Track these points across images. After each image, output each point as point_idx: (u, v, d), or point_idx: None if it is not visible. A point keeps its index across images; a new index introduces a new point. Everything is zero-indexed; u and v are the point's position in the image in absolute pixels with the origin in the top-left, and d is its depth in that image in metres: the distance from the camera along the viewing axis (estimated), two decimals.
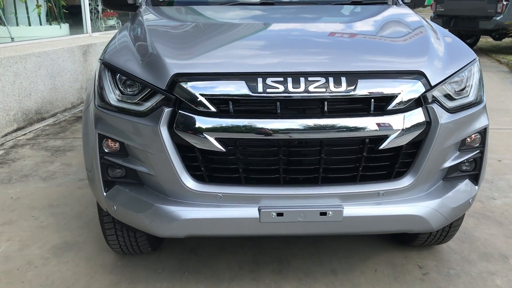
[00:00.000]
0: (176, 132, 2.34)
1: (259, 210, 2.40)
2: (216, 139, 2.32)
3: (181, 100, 2.33)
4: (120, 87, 2.52)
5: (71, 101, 7.32)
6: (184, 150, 2.40)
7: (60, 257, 3.37)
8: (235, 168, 2.41)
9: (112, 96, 2.51)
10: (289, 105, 2.32)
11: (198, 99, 2.30)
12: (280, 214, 2.39)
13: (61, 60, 6.98)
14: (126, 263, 3.28)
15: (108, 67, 2.55)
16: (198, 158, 2.39)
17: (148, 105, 2.41)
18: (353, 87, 2.29)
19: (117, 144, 2.56)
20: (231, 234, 2.51)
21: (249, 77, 2.31)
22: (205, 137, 2.31)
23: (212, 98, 2.31)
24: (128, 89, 2.50)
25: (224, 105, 2.32)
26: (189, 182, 2.42)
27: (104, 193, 2.63)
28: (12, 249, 3.48)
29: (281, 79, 2.30)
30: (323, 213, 2.38)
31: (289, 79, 2.30)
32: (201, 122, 2.31)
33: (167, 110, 2.35)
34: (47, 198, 4.31)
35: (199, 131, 2.31)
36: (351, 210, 2.40)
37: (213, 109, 2.30)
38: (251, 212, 2.41)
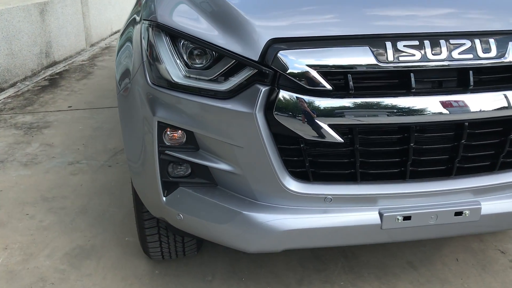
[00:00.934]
0: (277, 119, 1.73)
1: (380, 214, 1.86)
2: (331, 126, 1.73)
3: (281, 75, 1.71)
4: (185, 58, 1.85)
5: (31, 67, 6.36)
6: (283, 141, 1.80)
7: (80, 268, 2.71)
8: (349, 162, 1.84)
9: (176, 71, 1.84)
10: (425, 77, 1.76)
11: (307, 73, 1.69)
12: (407, 218, 1.86)
13: (16, 20, 5.98)
14: (165, 271, 2.66)
15: (166, 31, 1.87)
16: (303, 152, 1.80)
17: (232, 82, 1.77)
18: (506, 52, 1.75)
19: (184, 135, 1.92)
20: (342, 244, 1.97)
21: (375, 41, 1.72)
22: (316, 124, 1.72)
23: (325, 71, 1.70)
24: (197, 61, 1.84)
25: (341, 80, 1.73)
26: (290, 183, 1.83)
27: (164, 198, 1.99)
28: (14, 261, 2.77)
29: (416, 42, 1.72)
30: (459, 213, 1.87)
31: (427, 43, 1.72)
32: (312, 104, 1.71)
33: (264, 90, 1.72)
34: (37, 189, 3.56)
35: (309, 117, 1.71)
36: (489, 206, 1.90)
37: (327, 86, 1.70)
38: (370, 217, 1.86)
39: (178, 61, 1.84)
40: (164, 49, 1.87)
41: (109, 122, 4.81)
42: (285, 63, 1.70)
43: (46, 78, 6.40)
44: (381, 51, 1.70)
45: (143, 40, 1.98)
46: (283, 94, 1.71)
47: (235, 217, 1.87)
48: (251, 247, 1.91)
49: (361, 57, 1.70)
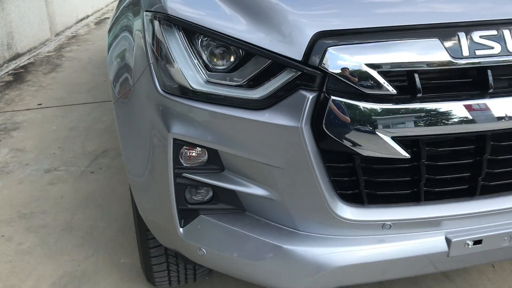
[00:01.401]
0: (327, 132, 1.37)
1: (447, 240, 1.53)
2: (395, 138, 1.38)
3: (332, 77, 1.35)
4: (205, 59, 1.47)
5: None
6: (332, 159, 1.45)
7: None
8: (412, 179, 1.50)
9: (194, 76, 1.46)
10: (503, 74, 1.43)
11: (366, 74, 1.34)
12: (477, 242, 1.54)
13: None
14: None
15: (179, 25, 1.47)
16: (358, 170, 1.45)
17: (267, 88, 1.41)
18: None
19: (205, 153, 1.54)
20: (399, 277, 1.64)
21: (445, 32, 1.38)
22: (378, 137, 1.37)
23: (386, 71, 1.35)
24: (220, 61, 1.46)
25: (405, 81, 1.38)
26: (341, 208, 1.49)
27: (181, 230, 1.62)
28: None
29: (494, 32, 1.38)
30: None
31: (506, 32, 1.39)
32: (372, 112, 1.36)
33: (311, 97, 1.36)
34: (11, 204, 3.12)
35: (369, 128, 1.36)
36: None
37: (391, 89, 1.36)
38: (435, 244, 1.54)
39: (196, 62, 1.46)
40: (178, 48, 1.48)
41: (85, 121, 4.35)
42: (337, 62, 1.34)
43: (10, 72, 5.84)
44: (453, 43, 1.36)
45: (147, 37, 1.58)
46: (335, 101, 1.36)
47: (274, 253, 1.52)
48: (295, 286, 1.56)
49: (431, 52, 1.36)
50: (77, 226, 2.86)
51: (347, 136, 1.38)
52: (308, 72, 1.36)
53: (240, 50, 1.44)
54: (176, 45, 1.48)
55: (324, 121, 1.37)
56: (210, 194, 1.63)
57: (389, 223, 1.51)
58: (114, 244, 2.71)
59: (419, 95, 1.37)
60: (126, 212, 2.97)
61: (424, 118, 1.37)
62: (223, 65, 1.47)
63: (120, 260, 2.58)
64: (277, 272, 1.54)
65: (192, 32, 1.47)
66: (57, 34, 7.52)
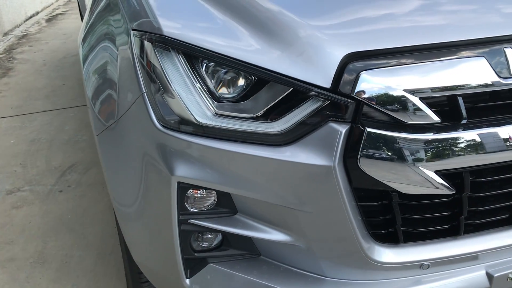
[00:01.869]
0: (363, 170, 1.17)
1: (489, 275, 1.37)
2: (439, 172, 1.20)
3: (366, 106, 1.15)
4: (212, 87, 1.23)
5: None
6: (366, 198, 1.25)
7: None
8: (452, 213, 1.32)
9: (200, 108, 1.23)
10: None
11: (406, 101, 1.14)
12: None
13: None
14: None
15: (178, 48, 1.23)
16: (395, 209, 1.26)
17: (289, 120, 1.19)
18: None
19: (214, 196, 1.31)
20: None
21: (491, 48, 1.19)
22: (420, 172, 1.18)
23: (428, 96, 1.16)
24: (229, 89, 1.23)
25: (446, 107, 1.19)
26: (375, 250, 1.29)
27: (187, 281, 1.39)
28: None
29: None
30: None
31: None
32: (414, 144, 1.16)
33: (344, 131, 1.15)
34: None
35: (410, 163, 1.17)
36: None
37: (434, 117, 1.16)
38: (476, 280, 1.38)
39: (201, 91, 1.23)
40: (178, 75, 1.24)
41: (46, 131, 4.00)
42: (372, 89, 1.14)
43: None
44: (500, 61, 1.17)
45: (136, 60, 1.32)
46: (371, 134, 1.15)
47: None
48: None
49: (477, 73, 1.17)
50: (50, 257, 2.58)
51: (385, 173, 1.18)
52: (338, 102, 1.14)
53: (251, 76, 1.21)
54: (176, 72, 1.24)
55: (359, 158, 1.16)
56: (219, 238, 1.40)
57: (427, 262, 1.32)
58: (95, 275, 2.44)
59: (464, 121, 1.18)
60: (102, 236, 2.70)
61: (472, 147, 1.19)
62: (233, 93, 1.24)
63: None
64: None
65: (194, 56, 1.23)
66: (5, 34, 7.00)
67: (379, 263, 1.29)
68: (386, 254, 1.30)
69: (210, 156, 1.24)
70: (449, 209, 1.31)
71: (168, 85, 1.24)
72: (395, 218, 1.27)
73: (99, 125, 1.51)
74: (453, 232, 1.34)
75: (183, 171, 1.25)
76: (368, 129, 1.15)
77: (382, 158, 1.17)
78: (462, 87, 1.17)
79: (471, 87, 1.18)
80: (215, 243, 1.41)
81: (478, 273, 1.38)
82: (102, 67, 1.58)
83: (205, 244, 1.40)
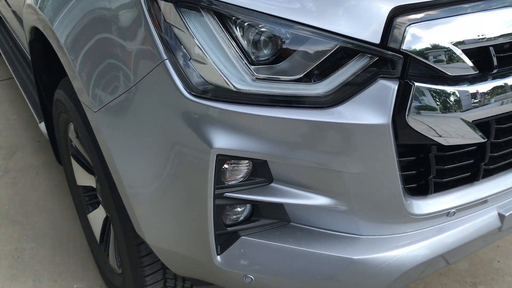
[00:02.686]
0: (410, 125, 1.16)
1: (501, 215, 1.46)
2: (475, 121, 1.23)
3: (414, 61, 1.13)
4: (248, 49, 1.14)
5: None
6: (406, 153, 1.25)
7: None
8: (475, 161, 1.37)
9: (238, 73, 1.13)
10: None
11: (451, 53, 1.14)
12: None
13: None
14: None
15: (209, 8, 1.11)
16: (431, 161, 1.27)
17: (335, 81, 1.14)
18: None
19: (249, 166, 1.23)
20: (457, 259, 1.53)
21: None
22: (461, 123, 1.20)
23: (468, 48, 1.17)
24: (265, 51, 1.15)
25: (481, 57, 1.22)
26: (412, 204, 1.31)
27: (218, 258, 1.31)
28: None
29: None
30: None
31: None
32: (457, 96, 1.18)
33: (396, 87, 1.13)
34: None
35: (454, 115, 1.18)
36: None
37: (473, 68, 1.18)
38: (490, 221, 1.46)
39: (237, 55, 1.12)
40: (209, 39, 1.12)
41: None
42: (419, 43, 1.12)
43: None
44: None
45: (151, 25, 1.17)
46: (419, 89, 1.14)
47: (344, 267, 1.29)
48: None
49: (505, 22, 1.20)
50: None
51: (430, 127, 1.17)
52: (388, 57, 1.11)
53: (292, 34, 1.12)
54: (206, 35, 1.12)
55: (407, 113, 1.15)
56: (248, 210, 1.33)
57: (453, 210, 1.37)
58: (56, 266, 2.23)
59: (495, 71, 1.21)
60: (51, 224, 2.46)
61: (502, 95, 1.22)
62: (269, 55, 1.15)
63: (74, 285, 2.13)
64: (351, 286, 1.33)
65: (226, 15, 1.11)
66: None
67: (415, 215, 1.30)
68: (421, 206, 1.31)
69: (251, 125, 1.15)
70: (473, 157, 1.35)
71: (199, 50, 1.12)
72: (429, 170, 1.29)
73: (97, 99, 1.33)
74: (471, 178, 1.39)
75: (223, 143, 1.15)
76: (416, 84, 1.14)
77: (428, 113, 1.16)
78: (494, 37, 1.19)
79: (501, 37, 1.20)
80: (244, 215, 1.33)
81: (491, 215, 1.45)
82: (94, 32, 1.36)
83: (234, 217, 1.32)
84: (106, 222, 2.00)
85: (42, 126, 2.40)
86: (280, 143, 1.16)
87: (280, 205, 1.30)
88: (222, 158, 1.17)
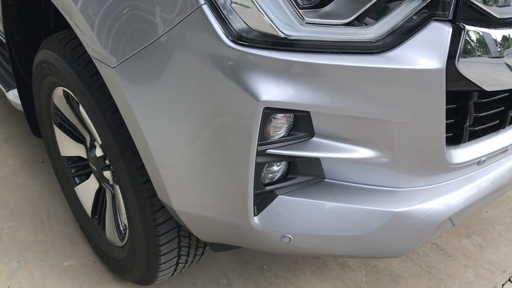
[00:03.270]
0: (459, 71, 1.13)
1: None
2: None
3: (464, 3, 1.09)
4: None
5: None
6: (449, 101, 1.22)
7: None
8: (504, 108, 1.37)
9: (285, 18, 1.04)
10: None
11: None
12: None
13: None
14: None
15: None
16: (469, 109, 1.25)
17: (386, 24, 1.07)
18: None
19: (291, 119, 1.16)
20: (480, 208, 1.53)
21: None
22: (504, 67, 1.18)
23: None
24: None
25: None
26: (452, 154, 1.29)
27: (255, 219, 1.24)
28: None
29: None
30: None
31: None
32: (503, 39, 1.16)
33: (449, 30, 1.08)
34: None
35: (499, 59, 1.16)
36: None
37: None
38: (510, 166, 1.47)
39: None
40: None
41: None
42: None
43: None
44: None
45: None
46: (470, 32, 1.10)
47: (385, 220, 1.26)
48: (402, 252, 1.35)
49: None
50: None
51: (478, 71, 1.14)
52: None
53: None
54: None
55: (457, 58, 1.11)
56: (284, 167, 1.26)
57: (484, 158, 1.36)
58: (40, 245, 2.07)
59: None
60: (28, 199, 2.28)
61: None
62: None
63: (64, 263, 1.99)
64: (388, 241, 1.30)
65: None
66: None
67: (453, 165, 1.28)
68: (458, 155, 1.29)
69: (300, 74, 1.07)
70: (503, 104, 1.34)
71: None
72: (465, 118, 1.26)
73: (116, 53, 1.19)
74: (498, 126, 1.39)
75: (270, 95, 1.06)
76: (467, 27, 1.09)
77: (475, 57, 1.13)
78: None
79: None
80: (280, 173, 1.26)
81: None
82: None
83: (270, 176, 1.25)
84: (99, 194, 1.87)
85: (12, 95, 2.19)
86: (329, 92, 1.09)
87: (317, 161, 1.24)
88: (268, 112, 1.08)
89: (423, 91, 1.11)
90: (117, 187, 1.62)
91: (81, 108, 1.58)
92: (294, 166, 1.24)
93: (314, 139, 1.18)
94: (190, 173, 1.23)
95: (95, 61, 1.27)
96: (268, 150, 1.15)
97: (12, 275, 1.93)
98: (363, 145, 1.19)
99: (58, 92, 1.73)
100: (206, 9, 1.05)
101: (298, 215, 1.25)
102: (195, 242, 1.60)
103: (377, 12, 1.06)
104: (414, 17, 1.06)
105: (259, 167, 1.16)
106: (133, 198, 1.44)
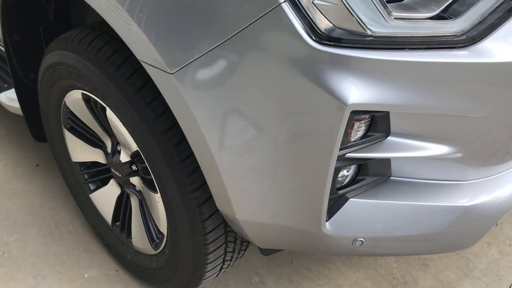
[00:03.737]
0: None
1: None
2: None
3: None
4: None
5: None
6: None
7: None
8: None
9: (372, 12, 0.97)
10: None
11: None
12: None
13: None
14: None
15: None
16: None
17: (472, 16, 1.02)
18: None
19: (369, 120, 1.10)
20: None
21: None
22: None
23: None
24: None
25: None
26: None
27: (326, 225, 1.18)
28: None
29: None
30: None
31: None
32: None
33: None
34: None
35: None
36: None
37: None
38: None
39: None
40: None
41: None
42: None
43: None
44: None
45: None
46: None
47: (457, 216, 1.23)
48: (472, 243, 1.33)
49: None
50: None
51: None
52: None
53: None
54: None
55: None
56: (354, 169, 1.20)
57: None
58: (54, 257, 1.94)
59: None
60: (29, 208, 2.13)
61: None
62: None
63: (84, 274, 1.87)
64: (459, 235, 1.27)
65: None
66: None
67: None
68: None
69: (386, 73, 1.01)
70: None
71: None
72: None
73: (177, 57, 1.08)
74: None
75: (358, 97, 0.99)
76: None
77: None
78: None
79: None
80: (351, 175, 1.20)
81: None
82: None
83: (340, 179, 1.19)
84: (121, 200, 1.75)
85: (4, 97, 2.02)
86: (415, 91, 1.03)
87: (387, 160, 1.19)
88: (352, 115, 1.01)
89: (507, 85, 1.06)
90: (150, 193, 1.51)
91: (108, 113, 1.45)
92: (364, 167, 1.18)
93: (389, 138, 1.12)
94: (258, 182, 1.15)
95: (146, 66, 1.15)
96: (347, 154, 1.08)
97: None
98: (438, 141, 1.14)
99: (74, 95, 1.59)
100: (286, 7, 0.96)
101: (370, 217, 1.20)
102: (239, 246, 1.52)
103: (463, 4, 1.00)
104: (501, 7, 1.00)
105: (336, 172, 1.10)
106: (181, 207, 1.34)
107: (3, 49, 1.99)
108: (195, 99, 1.09)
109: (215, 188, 1.22)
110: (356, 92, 0.98)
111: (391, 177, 1.24)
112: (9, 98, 2.01)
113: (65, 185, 1.99)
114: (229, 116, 1.09)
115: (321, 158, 1.06)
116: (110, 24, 1.20)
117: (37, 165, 2.36)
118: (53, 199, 2.18)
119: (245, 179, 1.16)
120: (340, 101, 0.98)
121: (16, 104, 1.96)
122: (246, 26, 1.00)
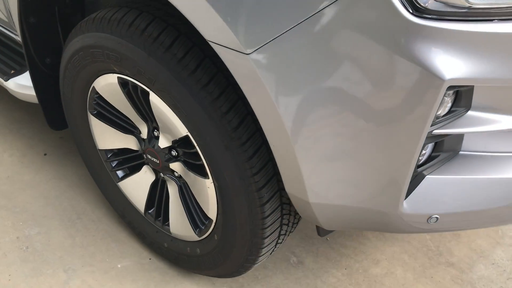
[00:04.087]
0: None
1: None
2: None
3: None
4: None
5: None
6: None
7: None
8: None
9: None
10: None
11: None
12: None
13: None
14: None
15: None
16: None
17: None
18: None
19: (451, 95, 1.07)
20: None
21: None
22: None
23: None
24: None
25: None
26: None
27: (404, 204, 1.15)
28: None
29: None
30: None
31: None
32: None
33: None
34: None
35: None
36: None
37: None
38: None
39: None
40: None
41: None
42: None
43: None
44: None
45: None
46: None
47: None
48: None
49: None
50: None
51: None
52: None
53: None
54: None
55: None
56: (431, 146, 1.17)
57: None
58: (82, 248, 1.86)
59: None
60: (45, 199, 2.03)
61: None
62: None
63: (117, 265, 1.80)
64: None
65: None
66: None
67: None
68: None
69: (484, 46, 0.97)
70: None
71: None
72: None
73: (255, 36, 1.00)
74: None
75: (455, 72, 0.95)
76: None
77: None
78: None
79: None
80: (428, 152, 1.17)
81: None
82: None
83: (422, 158, 1.16)
84: (156, 186, 1.68)
85: (12, 84, 1.89)
86: (509, 64, 0.99)
87: (461, 135, 1.16)
88: (447, 91, 0.97)
89: None
90: (198, 179, 1.44)
91: (152, 97, 1.37)
92: (440, 143, 1.15)
93: (469, 113, 1.09)
94: (339, 166, 1.11)
95: (216, 47, 1.07)
96: (434, 131, 1.04)
97: (64, 287, 1.72)
98: None
99: (107, 80, 1.49)
100: None
101: (446, 193, 1.18)
102: (290, 228, 1.48)
103: None
104: None
105: (421, 150, 1.06)
106: (240, 192, 1.29)
107: (11, 35, 1.86)
108: (275, 82, 1.03)
109: (288, 172, 1.16)
110: (453, 67, 0.94)
111: (460, 152, 1.21)
112: (19, 84, 1.89)
113: (87, 173, 1.89)
114: (312, 99, 1.03)
115: (410, 137, 1.02)
116: (173, 3, 1.10)
117: (45, 154, 2.25)
118: (70, 188, 2.08)
119: (323, 164, 1.11)
120: (438, 77, 0.94)
121: (26, 91, 1.85)
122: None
